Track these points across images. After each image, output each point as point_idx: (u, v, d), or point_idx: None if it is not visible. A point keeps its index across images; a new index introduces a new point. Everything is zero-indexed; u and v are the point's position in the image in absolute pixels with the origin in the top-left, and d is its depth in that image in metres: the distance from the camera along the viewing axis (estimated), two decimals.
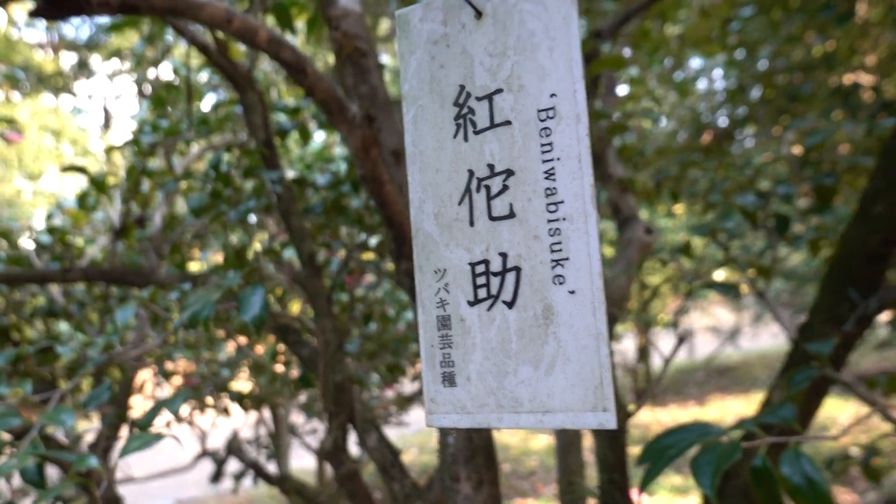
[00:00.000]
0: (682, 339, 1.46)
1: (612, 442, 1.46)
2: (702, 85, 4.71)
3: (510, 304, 0.54)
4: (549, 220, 0.53)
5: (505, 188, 0.55)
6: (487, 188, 0.56)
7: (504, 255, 0.55)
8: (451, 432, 1.42)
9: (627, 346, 6.60)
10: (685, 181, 2.24)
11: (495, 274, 0.55)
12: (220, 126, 2.15)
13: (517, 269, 0.54)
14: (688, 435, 1.11)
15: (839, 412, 5.63)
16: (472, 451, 1.39)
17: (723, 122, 3.75)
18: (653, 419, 6.72)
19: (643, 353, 6.64)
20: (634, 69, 2.87)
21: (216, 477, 2.96)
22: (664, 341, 9.21)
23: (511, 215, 0.55)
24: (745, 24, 3.20)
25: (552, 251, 0.53)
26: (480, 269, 0.56)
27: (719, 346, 8.12)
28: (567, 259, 0.52)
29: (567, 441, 1.72)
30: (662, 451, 1.09)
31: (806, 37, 3.37)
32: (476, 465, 1.38)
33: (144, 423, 1.42)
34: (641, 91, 2.62)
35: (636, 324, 6.13)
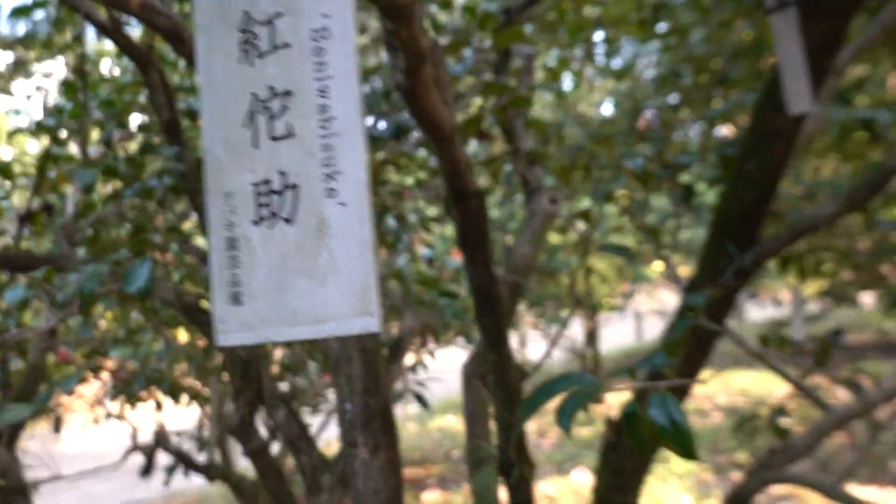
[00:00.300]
0: (578, 302, 1.49)
1: (507, 404, 1.49)
2: (647, 74, 4.78)
3: (289, 221, 0.55)
4: (322, 136, 0.55)
5: (285, 109, 0.56)
6: (269, 110, 0.57)
7: (284, 174, 0.56)
8: (348, 399, 1.43)
9: (576, 331, 6.69)
10: (599, 157, 2.28)
11: (276, 192, 0.56)
12: (127, 108, 2.12)
13: (295, 186, 0.55)
14: (562, 384, 1.15)
15: (774, 386, 5.83)
16: (368, 416, 1.40)
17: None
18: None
19: (591, 337, 6.76)
20: (555, 51, 2.91)
21: (146, 470, 2.91)
22: (612, 325, 9.37)
23: (290, 135, 0.56)
24: (674, 10, 3.27)
25: (325, 166, 0.54)
26: (263, 188, 0.57)
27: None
28: (339, 172, 0.54)
29: (473, 411, 1.77)
30: (535, 400, 1.12)
31: (736, 24, 3.47)
32: (372, 431, 1.39)
33: (39, 403, 1.39)
34: (562, 71, 2.66)
35: (583, 309, 6.22)
